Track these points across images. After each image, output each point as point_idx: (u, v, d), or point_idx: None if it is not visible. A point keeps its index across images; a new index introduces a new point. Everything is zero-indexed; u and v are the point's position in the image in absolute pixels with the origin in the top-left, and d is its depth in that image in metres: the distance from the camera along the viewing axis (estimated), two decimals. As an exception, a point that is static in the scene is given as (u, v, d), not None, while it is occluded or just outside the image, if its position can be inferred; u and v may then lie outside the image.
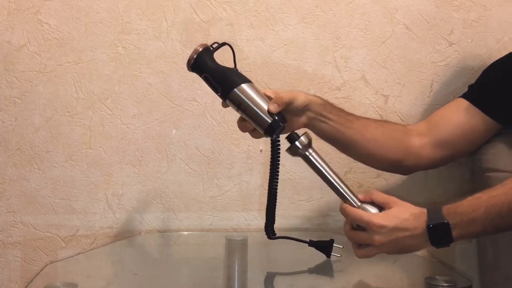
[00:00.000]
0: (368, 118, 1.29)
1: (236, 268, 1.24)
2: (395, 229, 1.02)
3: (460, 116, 1.30)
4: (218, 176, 1.53)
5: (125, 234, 1.52)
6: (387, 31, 1.54)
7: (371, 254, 1.05)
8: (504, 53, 1.40)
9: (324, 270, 1.24)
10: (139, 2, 1.49)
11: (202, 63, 1.05)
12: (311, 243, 1.21)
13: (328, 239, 1.22)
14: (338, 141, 1.21)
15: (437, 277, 1.03)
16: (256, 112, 1.02)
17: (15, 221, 1.50)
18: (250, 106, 1.02)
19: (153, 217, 1.52)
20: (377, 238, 1.02)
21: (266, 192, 1.52)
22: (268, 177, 1.11)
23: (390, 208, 1.05)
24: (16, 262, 1.50)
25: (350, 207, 1.06)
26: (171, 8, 1.50)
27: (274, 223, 1.15)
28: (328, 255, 1.20)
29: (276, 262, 1.19)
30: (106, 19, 1.49)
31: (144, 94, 1.51)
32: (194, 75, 1.09)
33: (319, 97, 1.19)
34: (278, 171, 1.10)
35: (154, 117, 1.51)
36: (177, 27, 1.50)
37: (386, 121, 1.37)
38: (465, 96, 1.34)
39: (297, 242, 1.24)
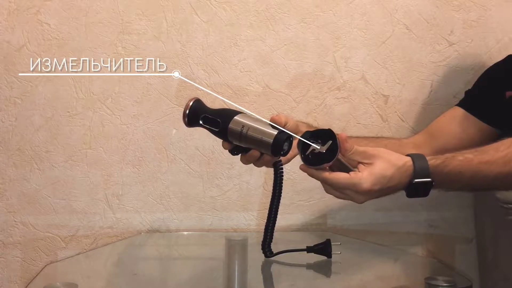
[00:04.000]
0: (357, 137, 1.29)
1: (236, 268, 1.24)
2: (381, 190, 0.98)
3: (456, 125, 1.32)
4: (218, 176, 1.53)
5: (125, 234, 1.52)
6: (387, 31, 1.54)
7: (344, 199, 1.01)
8: (504, 53, 1.40)
9: (324, 270, 1.24)
10: (139, 2, 1.49)
11: (198, 109, 1.07)
12: (309, 250, 1.21)
13: (323, 240, 1.22)
14: None
15: (437, 277, 1.03)
16: (261, 129, 1.02)
17: (15, 221, 1.50)
18: (252, 125, 1.02)
19: (153, 217, 1.53)
20: (361, 198, 0.98)
21: (266, 192, 1.53)
22: (270, 199, 1.13)
23: (372, 163, 0.98)
24: (16, 262, 1.51)
25: (329, 173, 0.98)
26: (171, 8, 1.50)
27: (271, 241, 1.16)
28: (329, 255, 1.20)
29: (276, 262, 1.19)
30: (106, 19, 1.49)
31: (144, 94, 1.51)
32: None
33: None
34: (280, 195, 1.12)
35: (154, 117, 1.51)
36: (177, 27, 1.50)
37: (378, 137, 1.37)
38: (460, 104, 1.35)
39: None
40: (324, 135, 0.98)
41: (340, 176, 0.97)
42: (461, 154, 1.02)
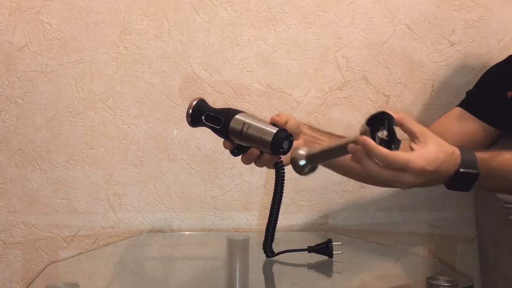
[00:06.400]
0: None
1: (238, 268, 1.24)
2: (434, 172, 0.92)
3: (457, 126, 1.31)
4: (220, 176, 1.53)
5: (127, 234, 1.52)
6: (388, 31, 1.54)
7: (387, 186, 0.97)
8: (506, 53, 1.40)
9: (325, 270, 1.24)
10: (141, 2, 1.49)
11: (201, 108, 1.08)
12: (310, 250, 1.21)
13: (325, 239, 1.22)
14: (333, 162, 1.17)
15: (438, 277, 1.03)
16: (261, 127, 1.03)
17: (16, 221, 1.50)
18: (253, 124, 1.03)
19: (154, 217, 1.53)
20: (412, 180, 0.92)
21: (267, 192, 1.53)
22: (271, 199, 1.13)
23: (426, 143, 0.94)
24: (18, 262, 1.51)
25: (378, 146, 0.91)
26: (172, 8, 1.50)
27: (273, 241, 1.16)
28: (330, 255, 1.20)
29: (277, 262, 1.19)
30: (108, 19, 1.49)
31: (145, 94, 1.51)
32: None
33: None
34: (282, 195, 1.12)
35: (155, 117, 1.51)
36: (178, 27, 1.50)
37: None
38: (462, 104, 1.35)
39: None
40: (375, 119, 0.94)
41: (399, 153, 0.91)
42: (508, 152, 1.00)
